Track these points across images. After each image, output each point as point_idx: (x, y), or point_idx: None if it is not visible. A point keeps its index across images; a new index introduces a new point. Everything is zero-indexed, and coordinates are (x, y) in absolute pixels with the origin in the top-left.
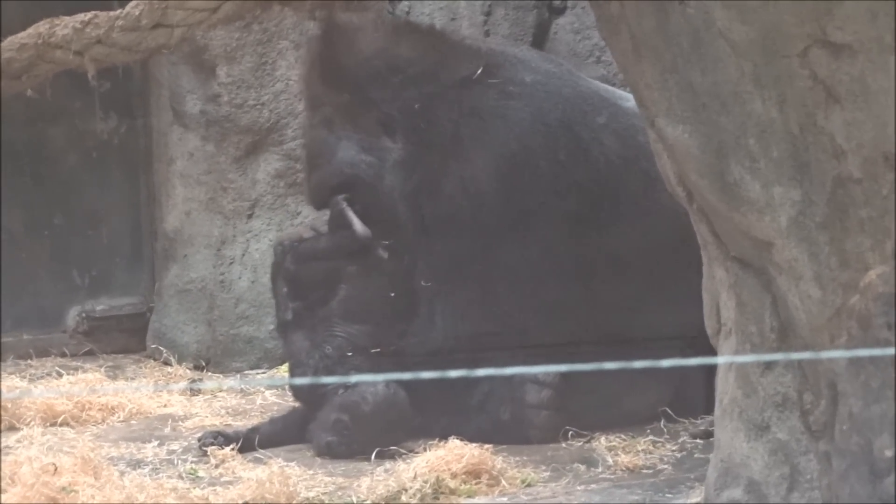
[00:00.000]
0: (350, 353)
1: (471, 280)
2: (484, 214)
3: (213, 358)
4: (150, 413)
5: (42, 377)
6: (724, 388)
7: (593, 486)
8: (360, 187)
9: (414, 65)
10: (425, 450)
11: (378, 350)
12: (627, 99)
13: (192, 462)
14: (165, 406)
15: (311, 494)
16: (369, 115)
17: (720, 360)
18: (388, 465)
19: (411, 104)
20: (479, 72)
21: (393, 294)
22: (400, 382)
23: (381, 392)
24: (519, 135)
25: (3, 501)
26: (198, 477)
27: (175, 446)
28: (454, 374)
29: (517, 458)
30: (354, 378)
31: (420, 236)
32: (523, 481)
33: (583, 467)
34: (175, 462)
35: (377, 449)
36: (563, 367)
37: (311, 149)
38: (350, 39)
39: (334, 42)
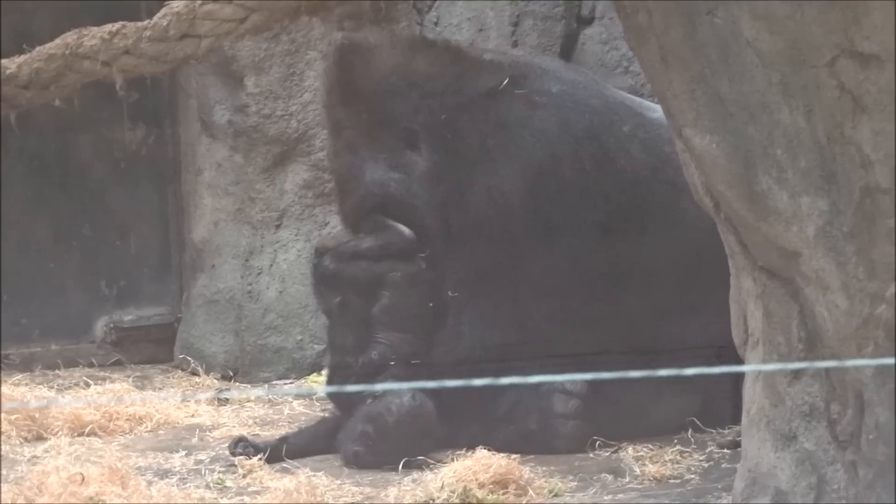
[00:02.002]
0: (392, 362)
1: (498, 290)
2: (511, 224)
3: (240, 368)
4: (178, 423)
5: (70, 387)
6: (752, 397)
7: (620, 495)
8: (392, 205)
9: (432, 79)
10: (453, 460)
11: (417, 360)
12: (654, 109)
13: (219, 472)
14: (193, 416)
15: None
16: (391, 132)
17: (745, 368)
18: (415, 475)
19: (435, 116)
20: (505, 82)
21: (431, 304)
22: (428, 392)
23: (406, 404)
24: (545, 145)
25: None
26: (225, 487)
27: (202, 456)
28: (480, 382)
29: (544, 468)
30: (380, 386)
31: (448, 247)
32: (550, 491)
33: (610, 477)
34: (202, 472)
35: (404, 459)
36: (589, 376)
37: (339, 175)
38: (366, 59)
39: (350, 63)
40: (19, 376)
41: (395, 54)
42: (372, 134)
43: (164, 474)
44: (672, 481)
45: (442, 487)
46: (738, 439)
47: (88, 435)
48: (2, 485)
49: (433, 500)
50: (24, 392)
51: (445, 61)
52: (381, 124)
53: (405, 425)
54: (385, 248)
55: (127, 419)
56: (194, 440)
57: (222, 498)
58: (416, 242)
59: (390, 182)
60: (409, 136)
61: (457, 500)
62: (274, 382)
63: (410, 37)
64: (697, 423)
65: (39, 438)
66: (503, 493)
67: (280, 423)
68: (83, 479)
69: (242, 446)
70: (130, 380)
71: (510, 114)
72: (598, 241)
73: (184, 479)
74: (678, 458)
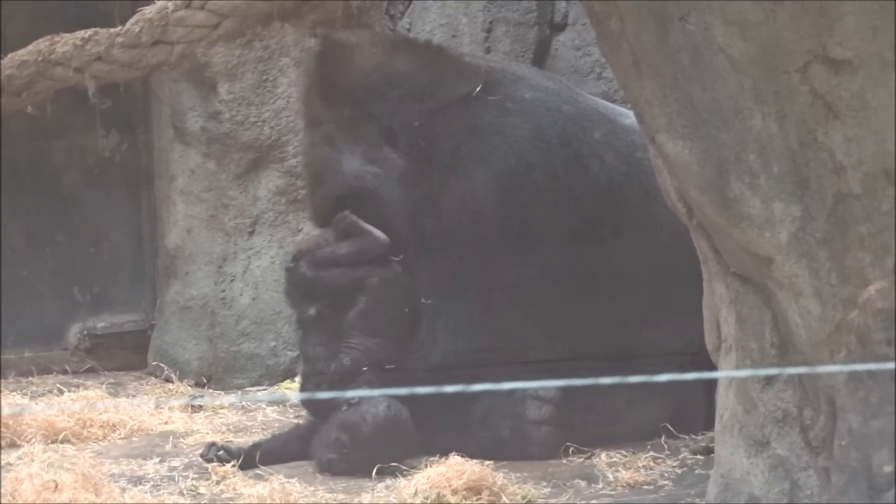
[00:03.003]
0: (365, 368)
1: (471, 296)
2: (483, 231)
3: (214, 375)
4: (152, 430)
5: (43, 394)
6: (725, 403)
7: (594, 502)
8: (366, 198)
9: (412, 79)
10: (426, 466)
11: (391, 366)
12: (627, 115)
13: (193, 479)
14: (166, 423)
15: None
16: (370, 128)
17: (718, 374)
18: (388, 481)
19: (411, 120)
20: (478, 89)
21: (407, 310)
22: (402, 399)
23: (381, 413)
24: (518, 151)
25: None
26: (199, 493)
27: (176, 463)
28: (452, 389)
29: (518, 475)
30: (353, 393)
31: (421, 252)
32: (524, 497)
33: (583, 483)
34: (176, 479)
35: (378, 466)
36: (561, 382)
37: (314, 166)
38: (348, 57)
39: (332, 60)
40: None
41: (377, 53)
42: (350, 127)
43: (137, 481)
44: (645, 487)
45: (415, 494)
46: (711, 445)
47: (62, 442)
48: None
49: None
50: None
51: (425, 62)
52: (359, 119)
53: (380, 434)
54: (362, 254)
55: (100, 426)
56: (168, 447)
57: None
58: (391, 246)
59: (366, 174)
60: (387, 133)
61: None
62: (247, 389)
63: (392, 36)
64: (671, 429)
65: (13, 445)
66: (476, 500)
67: (254, 430)
68: (56, 486)
69: (215, 452)
70: (104, 386)
71: (483, 120)
72: (570, 248)
73: (157, 485)
74: (651, 464)
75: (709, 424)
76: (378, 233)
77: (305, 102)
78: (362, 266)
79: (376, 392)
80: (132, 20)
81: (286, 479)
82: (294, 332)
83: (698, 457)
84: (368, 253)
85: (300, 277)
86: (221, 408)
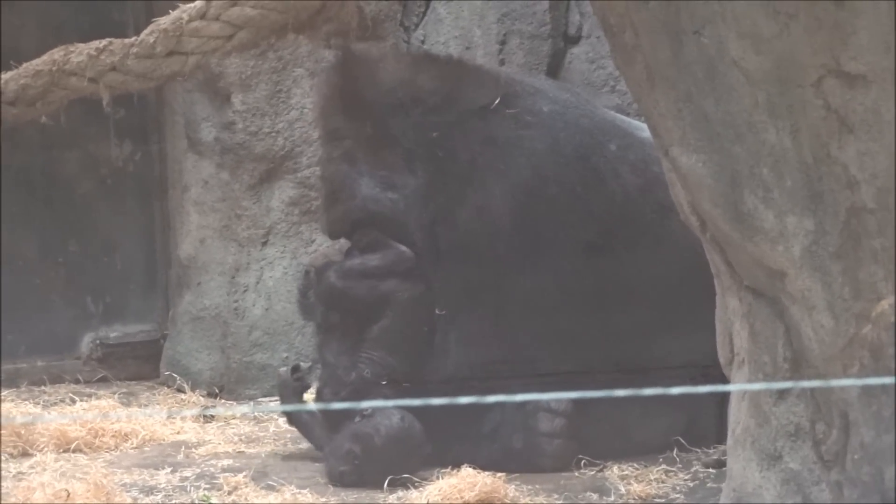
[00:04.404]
0: (385, 382)
1: (486, 309)
2: (499, 243)
3: (226, 385)
4: (163, 440)
5: (56, 403)
6: (737, 417)
7: None
8: (383, 224)
9: (434, 95)
10: (438, 478)
11: (408, 383)
12: (643, 129)
13: (204, 489)
14: (178, 433)
15: None
16: (393, 150)
17: (730, 387)
18: (400, 493)
19: (430, 133)
20: (496, 102)
21: (426, 328)
22: (415, 411)
23: (395, 425)
24: (535, 164)
25: None
26: None
27: (188, 473)
28: (465, 400)
29: (530, 487)
30: (367, 403)
31: (437, 265)
32: None
33: (595, 496)
34: (188, 489)
35: (389, 477)
36: (574, 394)
37: (332, 182)
38: (371, 70)
39: (354, 73)
40: (5, 392)
41: (401, 69)
42: (372, 147)
43: (149, 491)
44: (657, 500)
45: None
46: (723, 459)
47: (74, 451)
48: None
49: None
50: (9, 408)
51: (447, 76)
52: (382, 139)
53: (393, 447)
54: (391, 268)
55: (112, 436)
56: (180, 457)
57: None
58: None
59: (385, 200)
60: (408, 156)
61: None
62: (259, 399)
63: (414, 51)
64: (683, 442)
65: (25, 454)
66: None
67: (265, 441)
68: (68, 496)
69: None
70: (116, 396)
71: (501, 133)
72: (585, 261)
73: (169, 495)
74: (663, 477)
75: (721, 438)
76: (402, 247)
77: (324, 114)
78: (390, 279)
79: (390, 403)
80: (147, 30)
81: (298, 490)
82: (307, 341)
83: (710, 470)
84: (397, 266)
85: (330, 287)
86: (233, 418)
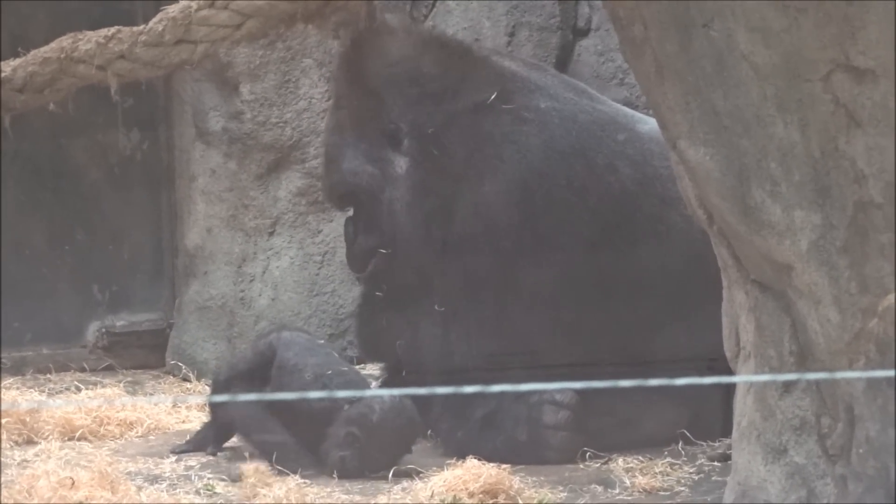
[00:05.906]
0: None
1: (484, 304)
2: (494, 239)
3: None
4: (169, 428)
5: (61, 391)
6: (742, 410)
7: None
8: (362, 197)
9: (434, 81)
10: (443, 469)
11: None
12: (645, 122)
13: (209, 478)
14: (184, 422)
15: None
16: (375, 124)
17: (735, 379)
18: (405, 483)
19: (424, 123)
20: (492, 97)
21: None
22: (419, 405)
23: (387, 401)
24: (530, 160)
25: None
26: (215, 493)
27: (192, 462)
28: (470, 389)
29: (534, 479)
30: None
31: (433, 259)
32: (540, 502)
33: (600, 488)
34: (192, 478)
35: (394, 467)
36: (578, 385)
37: (326, 151)
38: (379, 42)
39: (366, 43)
40: (10, 380)
41: (408, 46)
42: (359, 119)
43: (153, 479)
44: (662, 493)
45: (432, 496)
46: (728, 452)
47: (79, 439)
48: None
49: None
50: (15, 396)
51: (450, 64)
52: (370, 110)
53: (389, 422)
54: None
55: (117, 424)
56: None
57: None
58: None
59: (364, 174)
60: (393, 131)
61: None
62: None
63: (426, 31)
64: (688, 435)
65: (30, 442)
66: (493, 503)
67: None
68: (73, 484)
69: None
70: (122, 385)
71: (497, 128)
72: (584, 256)
73: (173, 484)
74: (668, 470)
75: (726, 431)
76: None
77: (336, 79)
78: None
79: (395, 392)
80: (155, 19)
81: (302, 481)
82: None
83: (715, 463)
84: None
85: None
86: None
